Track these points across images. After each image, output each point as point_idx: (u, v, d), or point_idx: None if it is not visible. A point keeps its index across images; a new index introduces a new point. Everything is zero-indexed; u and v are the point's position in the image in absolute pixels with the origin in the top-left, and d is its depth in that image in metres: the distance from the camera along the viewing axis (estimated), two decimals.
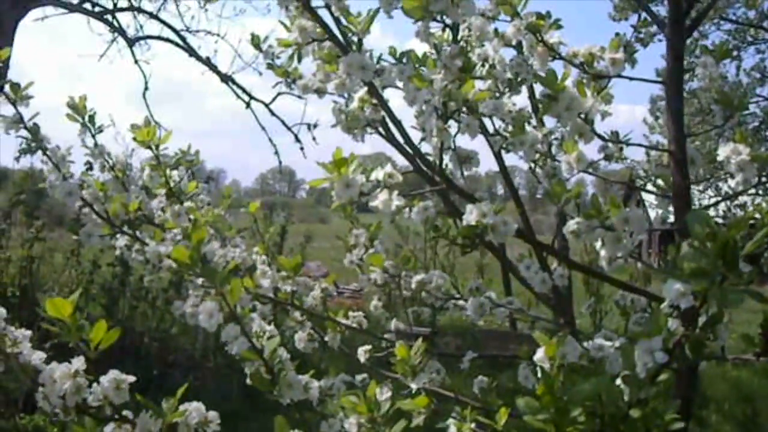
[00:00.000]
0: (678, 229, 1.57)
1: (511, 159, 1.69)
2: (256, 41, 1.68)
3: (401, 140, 1.48)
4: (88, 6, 7.10)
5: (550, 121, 1.47)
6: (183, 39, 7.30)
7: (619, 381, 0.82)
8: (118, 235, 1.59)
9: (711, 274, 0.71)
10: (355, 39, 1.39)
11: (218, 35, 7.67)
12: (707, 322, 0.79)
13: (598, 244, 1.08)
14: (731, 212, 5.89)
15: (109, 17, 7.22)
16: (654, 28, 2.42)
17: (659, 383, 0.81)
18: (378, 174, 1.16)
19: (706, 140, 7.41)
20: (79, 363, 0.93)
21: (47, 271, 5.17)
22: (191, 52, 7.16)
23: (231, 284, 1.04)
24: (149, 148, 1.58)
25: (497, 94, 1.46)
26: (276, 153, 7.70)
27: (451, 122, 1.33)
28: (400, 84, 1.39)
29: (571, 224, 1.09)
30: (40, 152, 1.51)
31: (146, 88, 7.61)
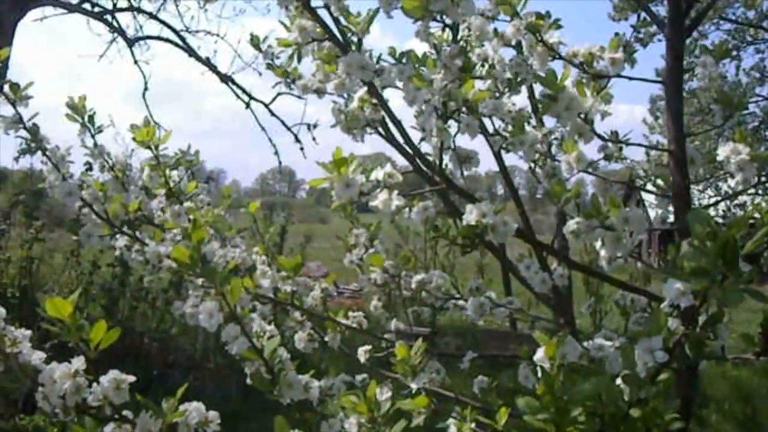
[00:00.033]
0: (678, 229, 1.57)
1: (510, 159, 1.69)
2: (255, 41, 1.68)
3: (401, 140, 1.48)
4: (87, 6, 7.10)
5: (549, 121, 1.47)
6: (183, 39, 7.30)
7: (619, 381, 0.83)
8: (117, 236, 1.59)
9: (711, 274, 0.71)
10: (354, 39, 1.39)
11: (218, 35, 7.68)
12: (707, 321, 0.80)
13: (598, 244, 1.08)
14: (731, 212, 5.89)
15: (108, 17, 7.22)
16: (653, 28, 2.42)
17: (659, 383, 0.81)
18: (378, 174, 1.16)
19: (705, 140, 7.41)
20: (79, 363, 0.93)
21: (47, 271, 5.17)
22: (191, 52, 7.16)
23: (231, 284, 1.04)
24: (149, 148, 1.58)
25: (497, 94, 1.46)
26: (276, 153, 7.71)
27: (451, 122, 1.33)
28: (399, 84, 1.39)
29: (571, 224, 1.09)
30: (39, 152, 1.51)
31: (146, 89, 7.62)
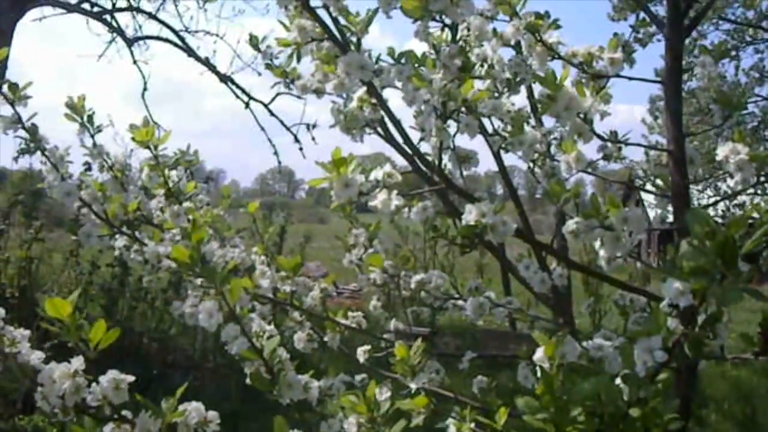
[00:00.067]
0: (677, 229, 1.57)
1: (510, 159, 1.69)
2: (254, 42, 1.68)
3: (400, 140, 1.48)
4: (86, 6, 7.09)
5: (549, 121, 1.47)
6: (182, 39, 7.29)
7: (618, 380, 0.83)
8: (117, 236, 1.59)
9: (710, 273, 0.71)
10: (353, 39, 1.39)
11: (217, 35, 7.66)
12: (706, 320, 0.80)
13: (597, 244, 1.08)
14: (730, 212, 5.89)
15: (107, 17, 7.21)
16: (653, 28, 2.42)
17: (658, 382, 0.82)
18: (377, 174, 1.16)
19: (705, 140, 7.41)
20: (78, 363, 0.93)
21: (46, 271, 5.17)
22: (190, 52, 7.16)
23: (230, 284, 1.04)
24: (148, 148, 1.58)
25: (496, 94, 1.46)
26: (275, 153, 7.70)
27: (450, 122, 1.33)
28: (398, 84, 1.39)
29: (570, 224, 1.09)
30: (38, 152, 1.51)
31: (145, 89, 7.61)
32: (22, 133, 1.50)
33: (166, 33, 7.35)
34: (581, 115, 1.24)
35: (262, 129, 7.52)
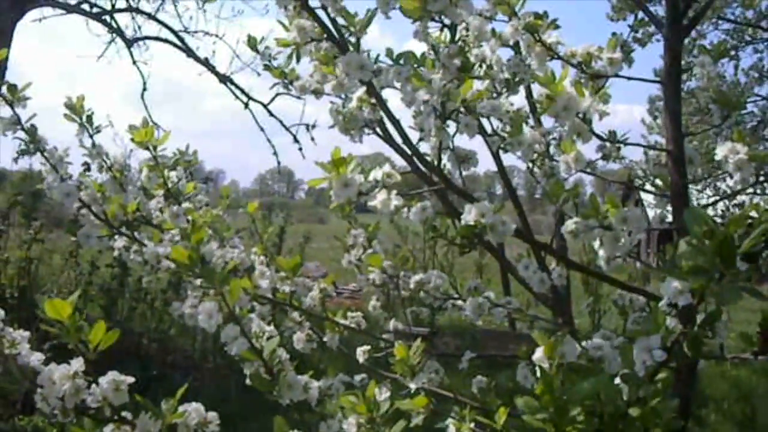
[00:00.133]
0: (676, 228, 1.57)
1: (509, 159, 1.70)
2: (252, 43, 1.68)
3: (399, 140, 1.48)
4: (86, 7, 7.09)
5: (548, 121, 1.48)
6: (181, 40, 7.29)
7: (617, 380, 0.83)
8: (116, 236, 1.59)
9: (709, 272, 0.72)
10: (352, 39, 1.39)
11: (216, 36, 7.65)
12: (705, 320, 0.80)
13: (597, 244, 1.09)
14: (729, 211, 5.89)
15: (107, 18, 7.20)
16: (652, 28, 2.43)
17: (658, 382, 0.82)
18: (376, 174, 1.16)
19: (704, 140, 7.41)
20: (78, 364, 0.93)
21: (46, 272, 5.16)
22: (189, 52, 7.15)
23: (230, 285, 1.04)
24: (147, 148, 1.58)
25: (495, 94, 1.46)
26: (275, 153, 7.69)
27: (450, 122, 1.33)
28: (398, 85, 1.39)
29: (570, 224, 1.09)
30: (38, 153, 1.51)
31: (144, 89, 7.60)
32: (21, 134, 1.50)
33: (166, 33, 7.34)
34: (580, 115, 1.24)
35: (262, 129, 7.53)
